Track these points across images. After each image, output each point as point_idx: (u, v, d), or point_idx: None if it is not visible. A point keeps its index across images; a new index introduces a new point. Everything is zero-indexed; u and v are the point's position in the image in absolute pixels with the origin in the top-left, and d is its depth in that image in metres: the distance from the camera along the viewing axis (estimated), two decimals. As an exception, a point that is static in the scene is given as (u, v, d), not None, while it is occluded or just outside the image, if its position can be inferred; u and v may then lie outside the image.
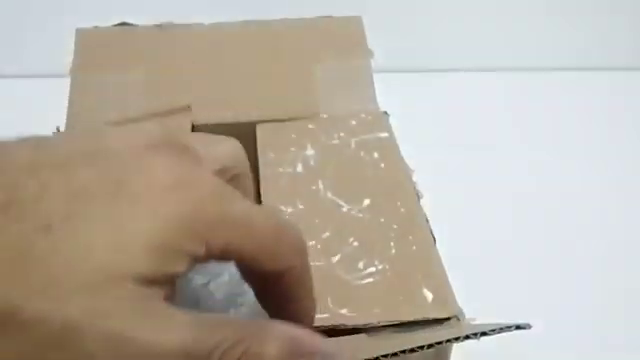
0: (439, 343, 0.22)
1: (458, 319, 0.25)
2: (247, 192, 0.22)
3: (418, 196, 0.30)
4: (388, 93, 0.37)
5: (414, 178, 0.31)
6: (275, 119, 0.34)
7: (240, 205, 0.18)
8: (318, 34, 0.38)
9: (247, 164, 0.22)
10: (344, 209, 0.29)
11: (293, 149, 0.32)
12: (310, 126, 0.34)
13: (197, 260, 0.17)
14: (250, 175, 0.22)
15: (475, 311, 0.26)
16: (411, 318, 0.25)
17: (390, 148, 0.33)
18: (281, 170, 0.31)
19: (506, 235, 0.46)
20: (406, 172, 0.32)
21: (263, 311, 0.28)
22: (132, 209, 0.16)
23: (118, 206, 0.16)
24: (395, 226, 0.29)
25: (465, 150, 0.53)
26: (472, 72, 0.61)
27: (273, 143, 0.33)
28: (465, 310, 0.26)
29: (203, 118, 0.34)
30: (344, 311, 0.25)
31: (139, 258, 0.16)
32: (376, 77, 0.37)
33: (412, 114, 0.42)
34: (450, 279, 0.27)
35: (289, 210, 0.29)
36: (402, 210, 0.29)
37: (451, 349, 0.26)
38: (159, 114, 0.34)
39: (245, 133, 0.34)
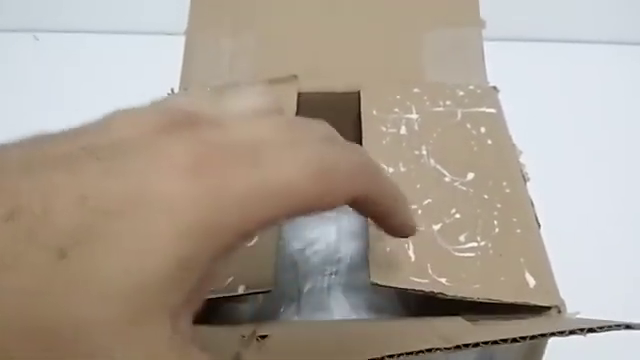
0: (543, 335, 0.21)
1: (559, 310, 0.24)
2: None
3: (524, 179, 0.29)
4: (496, 64, 0.35)
5: (521, 160, 0.30)
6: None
7: (271, 166, 0.15)
8: (430, 1, 0.37)
9: (280, 106, 0.19)
10: (447, 179, 0.28)
11: (397, 110, 0.31)
12: (415, 90, 0.33)
13: (233, 249, 0.15)
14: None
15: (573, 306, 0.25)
16: (512, 300, 0.24)
17: (498, 125, 0.31)
18: (384, 129, 0.30)
19: (616, 227, 0.43)
20: (513, 152, 0.30)
21: (355, 281, 0.27)
22: (150, 215, 0.13)
23: (135, 214, 0.13)
24: (499, 205, 0.27)
25: (580, 133, 0.50)
26: (592, 44, 0.58)
27: (377, 101, 0.32)
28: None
29: (309, 86, 0.33)
30: (443, 280, 0.24)
31: (164, 284, 0.13)
32: (485, 46, 0.35)
33: (522, 88, 0.40)
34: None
35: (390, 170, 0.28)
36: (507, 191, 0.28)
37: (545, 345, 0.25)
38: (265, 82, 0.33)
39: (349, 101, 0.33)
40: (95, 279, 0.13)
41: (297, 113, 0.32)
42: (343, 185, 0.16)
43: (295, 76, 0.34)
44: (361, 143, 0.30)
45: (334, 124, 0.36)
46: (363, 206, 0.18)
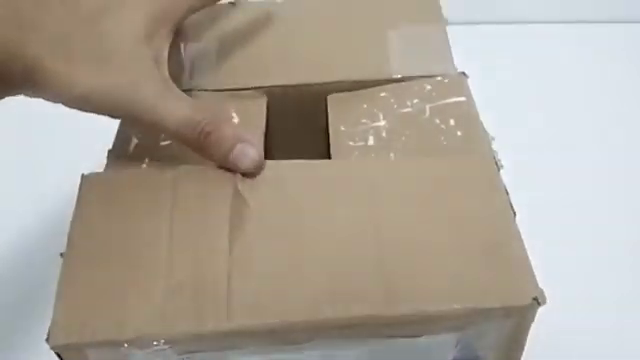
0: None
1: (538, 301, 0.24)
2: None
3: (498, 166, 0.28)
4: (465, 47, 0.34)
5: (494, 147, 0.29)
6: (347, 80, 0.33)
7: None
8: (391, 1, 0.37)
9: None
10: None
11: (364, 121, 0.31)
12: (382, 94, 0.32)
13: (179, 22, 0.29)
14: None
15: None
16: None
17: (467, 114, 0.31)
18: (352, 144, 0.30)
19: (594, 212, 0.43)
20: (485, 140, 0.30)
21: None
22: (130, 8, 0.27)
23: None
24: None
25: (550, 111, 0.49)
26: (556, 24, 0.57)
27: (344, 115, 0.32)
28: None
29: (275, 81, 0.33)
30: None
31: (143, 39, 0.26)
32: (451, 30, 0.35)
33: (491, 71, 0.39)
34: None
35: (360, 186, 0.29)
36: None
37: (526, 336, 0.25)
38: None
39: (317, 95, 0.33)
40: (112, 30, 0.26)
41: (267, 122, 0.32)
42: None
43: (263, 91, 0.33)
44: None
45: (302, 128, 0.35)
46: None
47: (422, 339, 0.24)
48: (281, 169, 0.28)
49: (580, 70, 0.53)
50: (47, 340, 0.22)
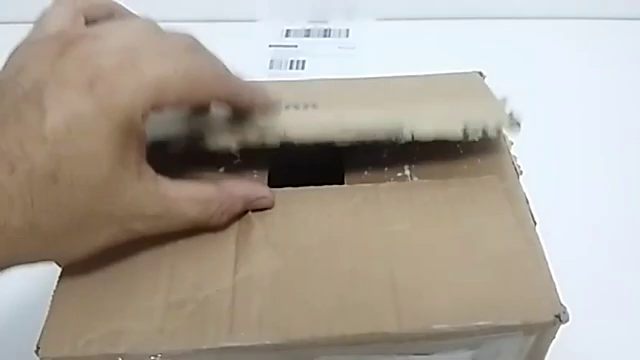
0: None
1: (560, 319, 0.22)
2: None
3: (517, 173, 0.27)
4: (481, 44, 0.32)
5: (512, 152, 0.28)
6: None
7: (147, 68, 0.21)
8: None
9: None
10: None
11: (377, 131, 0.30)
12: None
13: (139, 124, 0.22)
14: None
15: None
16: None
17: (485, 119, 0.29)
18: (365, 157, 0.29)
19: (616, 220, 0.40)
20: (504, 145, 0.28)
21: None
22: (86, 128, 0.21)
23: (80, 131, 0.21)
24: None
25: (575, 115, 0.46)
26: (592, 20, 0.54)
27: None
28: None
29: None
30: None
31: (107, 156, 0.21)
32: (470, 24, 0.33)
33: (511, 69, 0.36)
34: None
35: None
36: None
37: (548, 345, 0.23)
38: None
39: None
40: (77, 181, 0.21)
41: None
42: (206, 87, 0.23)
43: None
44: (343, 174, 0.29)
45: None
46: (225, 102, 0.25)
47: (434, 357, 0.23)
48: (292, 196, 0.27)
49: (579, 68, 0.50)
50: (36, 351, 0.21)
